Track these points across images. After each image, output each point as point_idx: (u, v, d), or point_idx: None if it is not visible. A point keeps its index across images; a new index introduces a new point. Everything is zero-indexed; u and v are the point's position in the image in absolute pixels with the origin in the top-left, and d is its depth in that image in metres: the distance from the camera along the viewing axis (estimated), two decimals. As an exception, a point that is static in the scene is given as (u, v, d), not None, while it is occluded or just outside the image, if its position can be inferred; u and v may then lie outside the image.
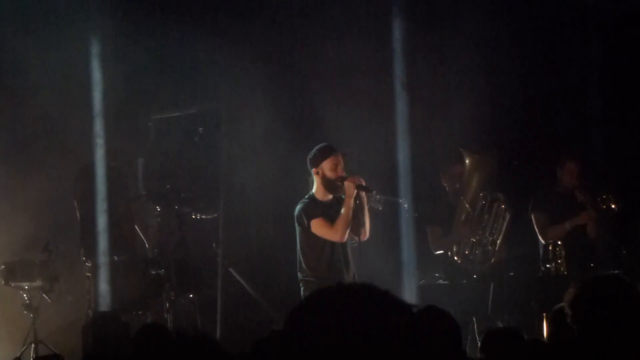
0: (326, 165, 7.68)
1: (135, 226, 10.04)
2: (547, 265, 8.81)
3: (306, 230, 7.69)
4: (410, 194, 9.46)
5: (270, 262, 10.35)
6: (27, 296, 9.19)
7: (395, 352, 1.84)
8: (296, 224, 7.77)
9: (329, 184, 7.70)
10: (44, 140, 10.23)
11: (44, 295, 9.24)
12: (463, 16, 10.08)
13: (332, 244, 7.68)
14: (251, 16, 10.59)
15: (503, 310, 8.77)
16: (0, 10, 10.12)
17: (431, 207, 9.16)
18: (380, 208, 8.01)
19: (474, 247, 8.93)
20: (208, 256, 10.32)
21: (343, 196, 7.66)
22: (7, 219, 9.82)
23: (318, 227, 7.65)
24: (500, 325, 8.15)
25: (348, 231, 7.66)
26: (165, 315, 9.25)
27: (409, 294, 8.91)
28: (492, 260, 8.92)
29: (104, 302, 9.23)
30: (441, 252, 9.01)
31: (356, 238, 7.72)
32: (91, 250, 9.46)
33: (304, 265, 7.74)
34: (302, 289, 7.76)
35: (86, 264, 9.46)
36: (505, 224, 8.91)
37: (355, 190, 7.60)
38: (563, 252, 8.77)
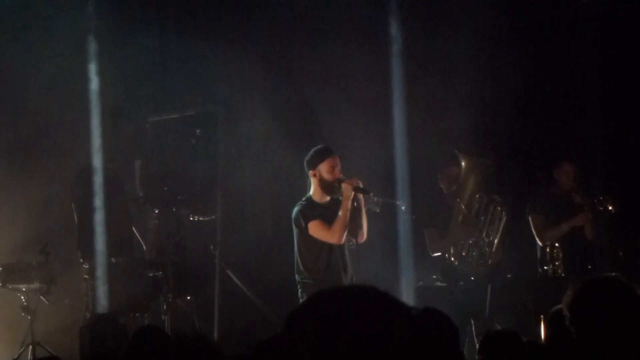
0: (323, 168, 7.68)
1: (133, 228, 10.03)
2: (545, 267, 8.83)
3: (304, 232, 7.69)
4: (407, 196, 9.47)
5: (267, 264, 10.35)
6: (24, 298, 9.18)
7: (394, 355, 1.84)
8: (294, 226, 7.77)
9: (326, 186, 7.70)
10: (41, 142, 10.22)
11: (41, 297, 9.23)
12: (461, 20, 10.10)
13: (330, 246, 7.68)
14: (249, 19, 10.60)
15: (501, 312, 8.77)
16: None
17: (429, 210, 9.17)
18: (378, 210, 8.01)
19: (470, 249, 8.93)
20: (206, 258, 10.31)
21: (340, 198, 7.67)
22: (5, 221, 9.82)
23: (316, 229, 7.65)
24: (498, 327, 8.15)
25: (346, 233, 7.66)
26: (163, 317, 9.25)
27: (407, 296, 8.92)
28: (489, 261, 8.93)
29: (102, 304, 9.22)
30: (439, 254, 9.02)
31: (354, 240, 7.72)
32: (89, 253, 9.45)
33: (301, 267, 7.74)
34: (299, 291, 7.76)
35: (84, 266, 9.45)
36: (501, 225, 8.91)
37: (353, 192, 7.60)
38: (560, 254, 8.78)
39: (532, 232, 9.15)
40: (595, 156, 10.31)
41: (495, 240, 8.92)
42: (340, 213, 7.60)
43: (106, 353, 7.65)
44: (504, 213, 8.91)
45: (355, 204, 7.63)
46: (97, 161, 9.73)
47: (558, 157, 9.34)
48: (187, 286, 9.64)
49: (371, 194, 7.85)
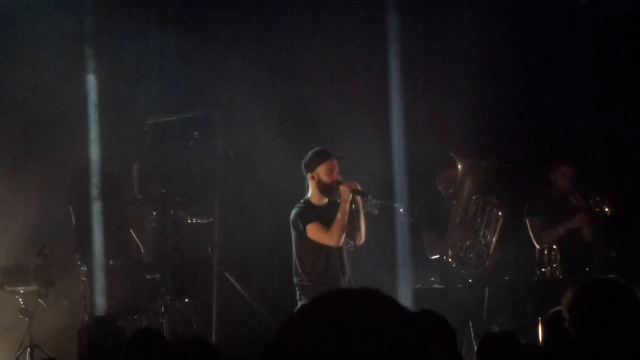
0: (321, 170, 7.68)
1: (131, 230, 10.03)
2: (543, 270, 8.83)
3: (302, 234, 7.68)
4: (405, 198, 9.47)
5: (265, 266, 10.35)
6: (22, 300, 9.18)
7: (394, 357, 1.84)
8: (292, 229, 7.77)
9: (324, 189, 7.69)
10: (39, 144, 10.22)
11: (39, 299, 9.22)
12: (458, 20, 10.10)
13: (328, 248, 7.68)
14: (247, 20, 10.60)
15: (498, 314, 8.77)
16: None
17: (427, 212, 9.16)
18: (376, 212, 8.01)
19: (468, 251, 8.93)
20: (203, 260, 10.30)
21: (338, 200, 7.66)
22: (3, 223, 9.81)
23: (314, 231, 7.64)
24: (496, 329, 8.14)
25: (344, 235, 7.65)
26: (161, 320, 9.25)
27: (405, 298, 8.91)
28: (487, 263, 8.93)
29: (100, 306, 9.22)
30: (437, 256, 9.02)
31: (352, 242, 7.71)
32: (87, 255, 9.45)
33: (299, 270, 7.73)
34: (297, 293, 7.75)
35: (82, 268, 9.45)
36: (498, 227, 8.91)
37: (351, 195, 7.60)
38: (558, 256, 8.78)
39: (529, 234, 9.15)
40: (592, 158, 10.31)
41: (493, 242, 8.93)
42: (338, 215, 7.59)
43: (104, 356, 7.64)
44: (500, 214, 8.91)
45: (353, 206, 7.62)
46: (95, 164, 9.73)
47: (555, 159, 9.34)
48: (185, 288, 9.65)
49: (369, 196, 7.85)
